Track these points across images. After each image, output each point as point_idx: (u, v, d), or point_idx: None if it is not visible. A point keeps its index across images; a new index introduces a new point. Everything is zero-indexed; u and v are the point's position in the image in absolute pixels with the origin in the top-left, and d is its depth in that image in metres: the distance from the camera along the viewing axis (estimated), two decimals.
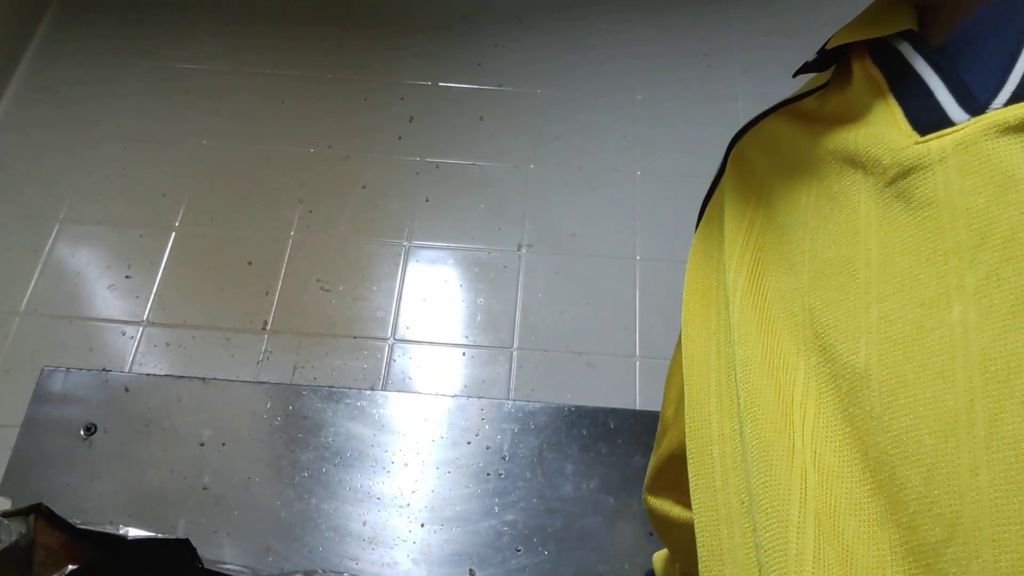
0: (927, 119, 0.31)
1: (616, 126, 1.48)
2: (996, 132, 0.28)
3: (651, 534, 1.08)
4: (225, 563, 1.00)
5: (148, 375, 1.20)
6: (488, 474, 1.13)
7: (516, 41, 1.58)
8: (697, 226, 0.46)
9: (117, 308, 1.27)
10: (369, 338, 1.26)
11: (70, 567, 0.85)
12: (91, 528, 0.87)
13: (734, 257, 0.39)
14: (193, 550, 0.91)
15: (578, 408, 1.17)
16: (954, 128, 0.30)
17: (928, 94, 0.32)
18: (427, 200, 1.39)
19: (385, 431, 1.16)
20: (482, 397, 1.20)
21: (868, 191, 0.32)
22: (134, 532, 0.88)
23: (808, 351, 0.33)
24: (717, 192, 0.45)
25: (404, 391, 1.21)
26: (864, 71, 0.38)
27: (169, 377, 1.19)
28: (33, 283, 1.29)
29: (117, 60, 1.52)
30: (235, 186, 1.39)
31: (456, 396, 1.20)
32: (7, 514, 0.84)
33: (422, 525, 1.09)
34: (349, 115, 1.47)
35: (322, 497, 1.10)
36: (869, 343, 0.30)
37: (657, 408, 1.18)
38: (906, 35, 0.36)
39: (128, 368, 1.21)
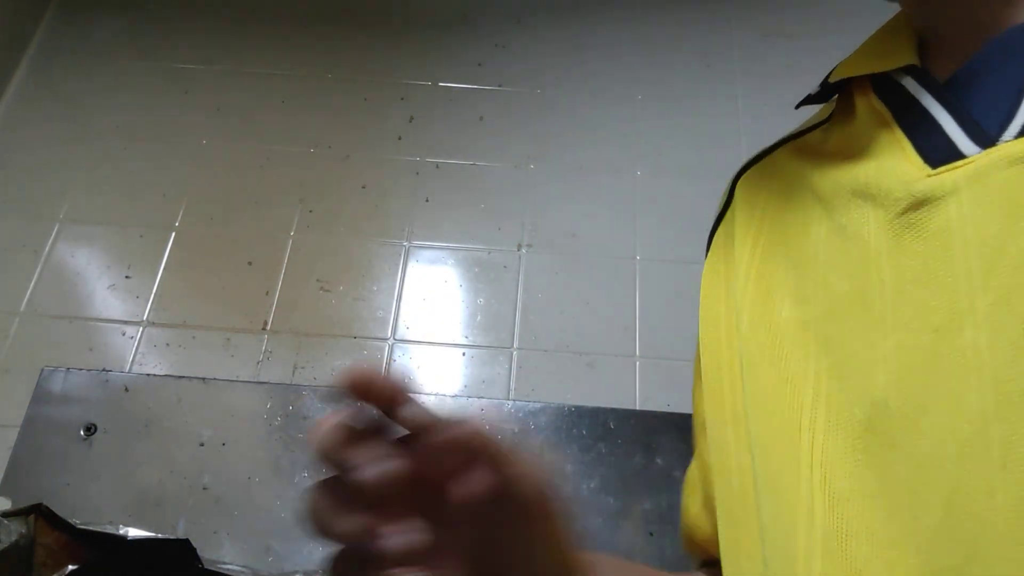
0: (938, 152, 0.32)
1: (616, 126, 1.48)
2: (1007, 163, 0.29)
3: (651, 534, 1.08)
4: (225, 563, 1.00)
5: (148, 375, 1.20)
6: None
7: (516, 41, 1.58)
8: (706, 256, 0.47)
9: (117, 308, 1.27)
10: (369, 338, 1.26)
11: (70, 567, 0.85)
12: (91, 528, 0.87)
13: (744, 288, 0.39)
14: (193, 550, 0.91)
15: (578, 408, 1.17)
16: (966, 161, 0.30)
17: (937, 128, 0.33)
18: (427, 200, 1.39)
19: None
20: (482, 397, 1.20)
21: (878, 222, 0.33)
22: (134, 532, 0.88)
23: (817, 379, 0.33)
24: (725, 223, 0.45)
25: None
26: (868, 105, 0.38)
27: (169, 377, 1.19)
28: (33, 283, 1.29)
29: (117, 60, 1.52)
30: (235, 186, 1.39)
31: (456, 396, 1.20)
32: (7, 514, 0.84)
33: None
34: (349, 115, 1.47)
35: None
36: (887, 371, 0.30)
37: (657, 408, 1.19)
38: (909, 70, 0.37)
39: (128, 368, 1.21)
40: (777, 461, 0.33)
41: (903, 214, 0.32)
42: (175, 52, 1.53)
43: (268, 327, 1.26)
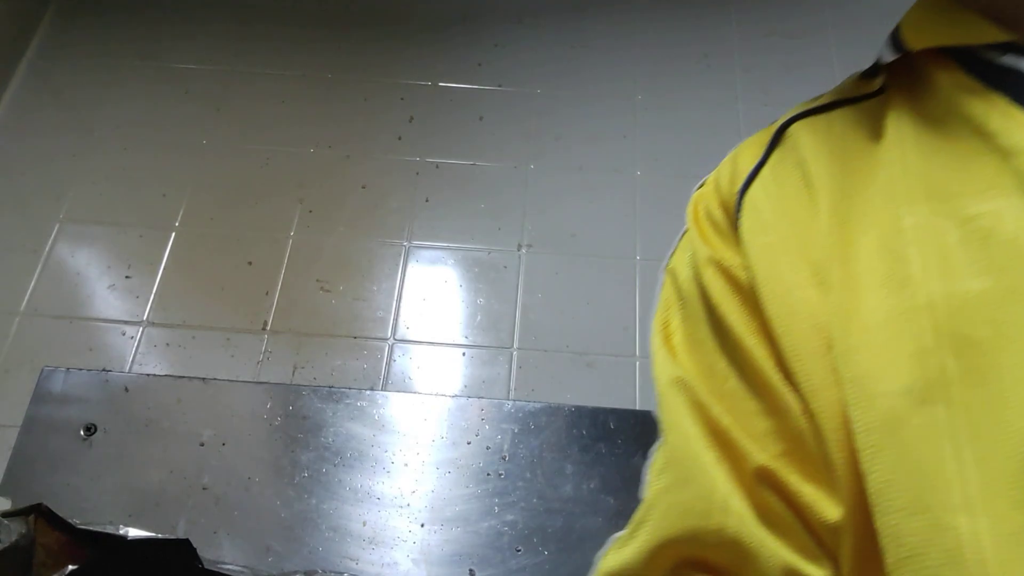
0: None
1: (616, 126, 1.48)
2: None
3: None
4: (225, 563, 1.00)
5: (148, 375, 1.20)
6: (488, 474, 1.13)
7: (516, 41, 1.58)
8: (741, 207, 0.41)
9: (117, 308, 1.27)
10: (369, 338, 1.26)
11: (70, 567, 0.85)
12: (91, 528, 0.87)
13: (829, 248, 0.35)
14: (193, 550, 0.91)
15: (578, 408, 1.17)
16: None
17: None
18: (427, 200, 1.39)
19: (385, 431, 1.16)
20: (482, 397, 1.20)
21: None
22: (134, 532, 0.88)
23: (957, 388, 0.29)
24: (776, 169, 0.41)
25: (404, 391, 1.21)
26: (956, 81, 0.35)
27: (169, 377, 1.19)
28: (33, 283, 1.29)
29: (117, 60, 1.52)
30: (235, 186, 1.39)
31: (456, 396, 1.20)
32: (7, 514, 0.84)
33: (422, 525, 1.09)
34: (349, 115, 1.47)
35: (322, 497, 1.10)
36: None
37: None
38: (1005, 47, 0.34)
39: (128, 368, 1.22)
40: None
41: None
42: (175, 52, 1.53)
43: (268, 327, 1.26)
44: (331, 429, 1.15)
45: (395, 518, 1.09)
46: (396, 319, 1.28)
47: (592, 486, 1.12)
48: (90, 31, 1.56)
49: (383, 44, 1.56)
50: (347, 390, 1.19)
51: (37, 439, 1.13)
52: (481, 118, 1.49)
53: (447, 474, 1.13)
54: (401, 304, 1.29)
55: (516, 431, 1.16)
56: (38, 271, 1.30)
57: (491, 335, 1.27)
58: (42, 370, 1.19)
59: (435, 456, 1.14)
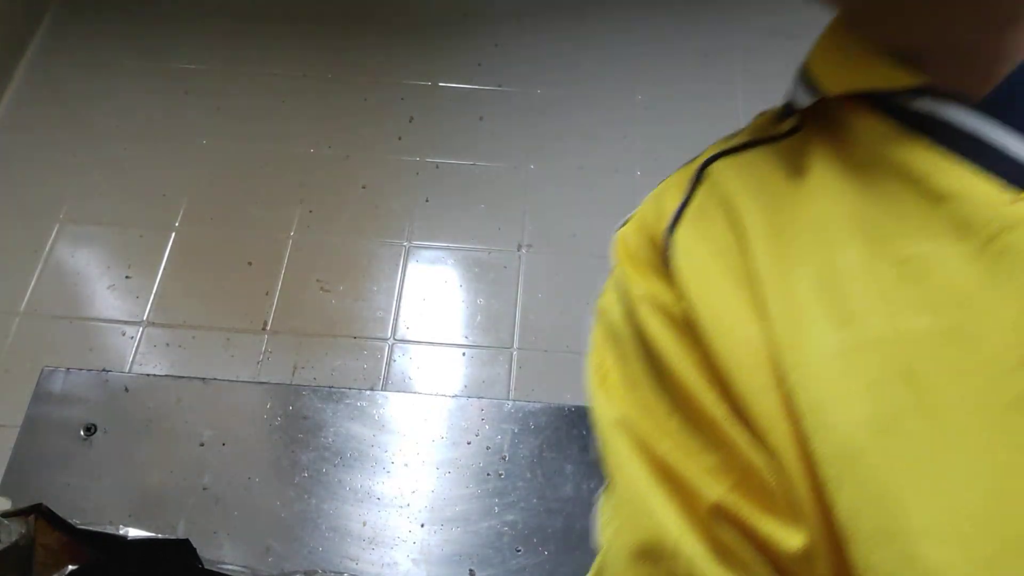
0: (1017, 177, 0.30)
1: (616, 126, 1.48)
2: None
3: None
4: (225, 563, 1.00)
5: (148, 375, 1.20)
6: (488, 474, 1.13)
7: (516, 41, 1.58)
8: (672, 235, 0.41)
9: (117, 308, 1.27)
10: (369, 338, 1.26)
11: (70, 567, 0.85)
12: (91, 528, 0.87)
13: (769, 284, 0.35)
14: (193, 550, 0.91)
15: (578, 408, 1.17)
16: None
17: (999, 151, 0.31)
18: (427, 200, 1.39)
19: (385, 431, 1.16)
20: (482, 397, 1.20)
21: (964, 254, 0.30)
22: (134, 532, 0.88)
23: (916, 420, 0.29)
24: (699, 210, 0.41)
25: (404, 391, 1.21)
26: (874, 125, 0.36)
27: (169, 377, 1.19)
28: (33, 283, 1.29)
29: (117, 60, 1.52)
30: (235, 186, 1.39)
31: (456, 396, 1.20)
32: (7, 514, 0.84)
33: (422, 525, 1.09)
34: (349, 115, 1.47)
35: (322, 497, 1.10)
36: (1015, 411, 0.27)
37: None
38: (922, 90, 0.34)
39: (128, 368, 1.22)
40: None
41: (992, 241, 0.30)
42: (175, 52, 1.53)
43: (268, 327, 1.26)
44: (331, 429, 1.15)
45: (395, 518, 1.09)
46: (396, 319, 1.28)
47: (592, 486, 1.12)
48: (90, 31, 1.56)
49: (383, 44, 1.56)
50: (347, 390, 1.19)
51: (37, 439, 1.13)
52: (481, 118, 1.49)
53: (447, 474, 1.13)
54: (401, 304, 1.29)
55: (516, 431, 1.16)
56: (38, 271, 1.30)
57: (491, 335, 1.27)
58: (42, 370, 1.19)
59: (435, 456, 1.14)
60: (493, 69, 1.54)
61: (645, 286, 0.40)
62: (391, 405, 1.18)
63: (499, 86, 1.52)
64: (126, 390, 1.18)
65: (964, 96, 0.33)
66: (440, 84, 1.52)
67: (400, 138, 1.46)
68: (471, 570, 1.06)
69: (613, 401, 0.39)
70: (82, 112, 1.46)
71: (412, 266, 1.33)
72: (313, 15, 1.60)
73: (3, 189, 1.37)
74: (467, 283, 1.32)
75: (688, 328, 0.37)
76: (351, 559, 1.07)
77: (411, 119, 1.48)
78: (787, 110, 0.41)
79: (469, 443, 1.15)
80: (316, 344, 1.25)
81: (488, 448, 1.14)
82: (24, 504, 0.86)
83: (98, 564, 0.87)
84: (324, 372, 1.23)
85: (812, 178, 0.37)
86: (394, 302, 1.29)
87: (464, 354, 1.25)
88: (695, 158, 0.46)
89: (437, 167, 1.43)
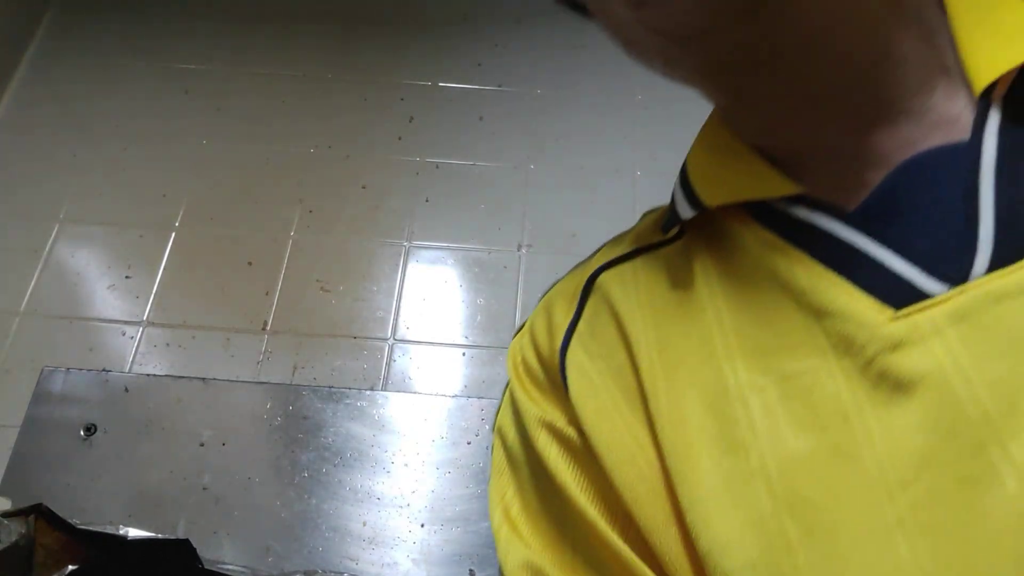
0: (894, 293, 0.30)
1: (616, 126, 1.48)
2: (993, 300, 0.27)
3: None
4: (225, 563, 1.00)
5: (148, 375, 1.20)
6: (488, 474, 1.12)
7: (516, 41, 1.58)
8: (564, 356, 0.39)
9: (117, 308, 1.27)
10: (369, 338, 1.26)
11: (70, 567, 0.85)
12: (91, 528, 0.87)
13: (657, 408, 0.34)
14: (193, 550, 0.91)
15: None
16: (936, 300, 0.28)
17: (879, 266, 0.30)
18: (427, 200, 1.39)
19: (385, 431, 1.16)
20: (482, 397, 1.20)
21: (845, 372, 0.30)
22: (134, 532, 0.88)
23: (801, 546, 0.29)
24: (586, 332, 0.39)
25: (404, 391, 1.21)
26: (755, 236, 0.35)
27: (169, 377, 1.19)
28: (33, 283, 1.29)
29: (117, 60, 1.52)
30: (235, 186, 1.39)
31: (456, 396, 1.20)
32: (7, 514, 0.84)
33: (422, 525, 1.09)
34: (349, 115, 1.47)
35: (322, 497, 1.10)
36: (909, 534, 0.26)
37: None
38: (797, 199, 0.34)
39: (128, 368, 1.22)
40: None
41: (873, 360, 0.29)
42: (175, 52, 1.53)
43: (268, 327, 1.26)
44: (331, 429, 1.15)
45: (395, 518, 1.09)
46: (396, 319, 1.28)
47: None
48: (90, 31, 1.56)
49: (383, 44, 1.56)
50: (347, 390, 1.19)
51: (37, 439, 1.13)
52: (481, 118, 1.49)
53: (447, 474, 1.13)
54: (401, 304, 1.29)
55: None
56: (38, 271, 1.30)
57: (491, 335, 1.27)
58: (42, 370, 1.19)
59: (435, 456, 1.14)
60: (493, 69, 1.54)
61: (540, 409, 0.39)
62: (391, 405, 1.18)
63: (499, 86, 1.52)
64: (126, 390, 1.18)
65: (839, 205, 0.33)
66: (440, 84, 1.52)
67: (400, 138, 1.46)
68: (471, 570, 1.06)
69: (519, 539, 0.37)
70: (82, 112, 1.46)
71: (412, 266, 1.33)
72: (313, 15, 1.60)
73: (3, 189, 1.37)
74: (467, 283, 1.32)
75: (587, 455, 0.36)
76: (351, 559, 1.07)
77: (411, 119, 1.48)
78: (671, 216, 0.40)
79: (469, 443, 1.15)
80: (316, 344, 1.25)
81: (488, 448, 1.14)
82: (24, 504, 0.86)
83: (98, 564, 0.87)
84: (324, 372, 1.23)
85: (697, 292, 0.36)
86: (394, 302, 1.29)
87: (464, 354, 1.25)
88: (585, 262, 0.45)
89: (437, 167, 1.43)
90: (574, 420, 0.37)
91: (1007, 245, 0.28)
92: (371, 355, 1.25)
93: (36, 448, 1.12)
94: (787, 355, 0.31)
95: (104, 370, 1.20)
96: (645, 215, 0.45)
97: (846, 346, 0.30)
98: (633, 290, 0.39)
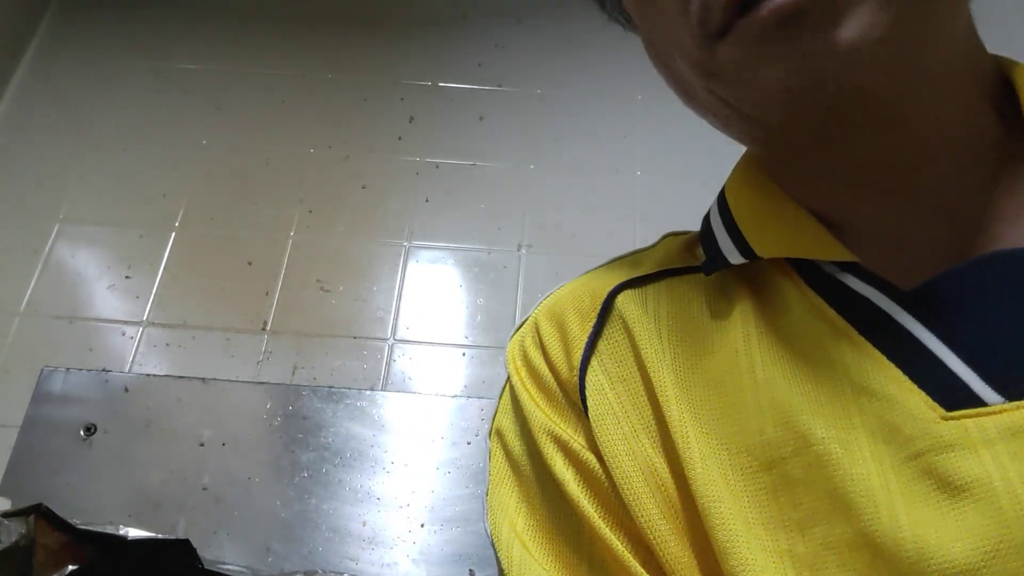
0: (949, 393, 0.28)
1: (616, 126, 1.48)
2: None
3: None
4: (225, 563, 1.00)
5: (148, 375, 1.20)
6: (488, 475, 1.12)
7: (516, 41, 1.58)
8: (584, 372, 0.38)
9: (117, 308, 1.27)
10: (369, 338, 1.26)
11: (70, 567, 0.85)
12: (91, 528, 0.87)
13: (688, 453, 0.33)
14: (193, 550, 0.91)
15: None
16: (991, 409, 0.27)
17: (934, 360, 0.29)
18: (427, 200, 1.39)
19: (385, 431, 1.16)
20: (482, 397, 1.20)
21: (878, 457, 0.29)
22: (134, 532, 0.88)
23: None
24: (611, 342, 0.38)
25: (404, 391, 1.21)
26: (801, 294, 0.33)
27: (169, 377, 1.19)
28: (33, 283, 1.29)
29: (117, 60, 1.52)
30: (235, 186, 1.39)
31: (456, 396, 1.20)
32: (7, 514, 0.84)
33: (422, 525, 1.09)
34: (349, 115, 1.47)
35: (322, 497, 1.10)
36: None
37: None
38: (848, 266, 0.32)
39: (128, 368, 1.21)
40: None
41: (918, 457, 0.28)
42: (175, 52, 1.53)
43: (268, 327, 1.26)
44: (331, 429, 1.15)
45: (395, 518, 1.09)
46: (396, 319, 1.28)
47: None
48: (90, 31, 1.56)
49: (383, 44, 1.56)
50: (347, 390, 1.19)
51: (37, 439, 1.13)
52: (481, 118, 1.49)
53: (447, 474, 1.13)
54: (401, 304, 1.29)
55: None
56: (38, 271, 1.30)
57: (491, 335, 1.27)
58: (42, 370, 1.19)
59: (435, 456, 1.14)
60: (493, 69, 1.54)
61: (550, 421, 0.38)
62: (391, 405, 1.18)
63: (499, 86, 1.52)
64: (126, 390, 1.18)
65: (892, 281, 0.31)
66: (440, 84, 1.52)
67: (400, 138, 1.46)
68: (471, 570, 1.06)
69: (532, 561, 0.36)
70: (82, 111, 1.46)
71: (412, 266, 1.33)
72: (313, 15, 1.60)
73: (3, 189, 1.37)
74: (467, 283, 1.32)
75: (608, 483, 0.35)
76: (351, 559, 1.07)
77: (411, 119, 1.48)
78: (715, 256, 0.38)
79: (469, 443, 1.15)
80: (316, 344, 1.25)
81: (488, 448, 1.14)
82: (24, 504, 0.86)
83: (98, 564, 0.87)
84: (324, 372, 1.23)
85: (730, 331, 0.35)
86: (394, 302, 1.29)
87: (464, 354, 1.25)
88: (594, 272, 0.43)
89: (437, 167, 1.43)
90: (593, 446, 0.36)
91: None
92: (371, 355, 1.25)
93: (36, 448, 1.12)
94: (819, 421, 0.30)
95: (104, 370, 1.20)
96: (666, 237, 0.44)
97: (888, 432, 0.29)
98: (654, 315, 0.38)
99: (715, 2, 0.28)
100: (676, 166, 1.43)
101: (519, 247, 1.35)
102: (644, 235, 1.36)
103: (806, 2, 0.26)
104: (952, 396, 0.28)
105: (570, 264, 1.33)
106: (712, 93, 0.31)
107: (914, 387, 0.29)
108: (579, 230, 1.37)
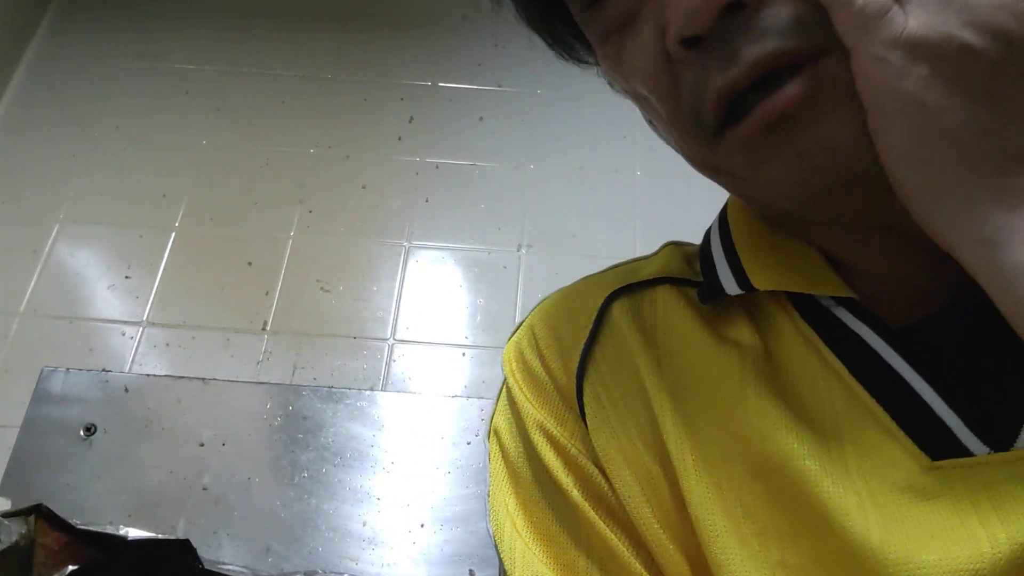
0: (934, 441, 0.29)
1: (616, 126, 1.48)
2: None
3: None
4: (225, 563, 1.00)
5: (148, 375, 1.20)
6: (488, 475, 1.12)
7: (516, 41, 1.58)
8: (582, 384, 0.38)
9: (117, 308, 1.27)
10: (369, 338, 1.26)
11: (70, 567, 0.85)
12: (91, 528, 0.87)
13: (682, 465, 0.33)
14: (193, 550, 0.91)
15: None
16: (976, 460, 0.28)
17: (920, 405, 0.29)
18: (427, 200, 1.39)
19: (385, 431, 1.16)
20: (482, 397, 1.20)
21: (857, 491, 0.29)
22: (134, 532, 0.88)
23: None
24: (604, 349, 0.38)
25: (404, 391, 1.21)
26: (794, 328, 0.34)
27: (169, 377, 1.19)
28: (33, 283, 1.29)
29: (117, 60, 1.52)
30: (235, 186, 1.39)
31: (456, 396, 1.20)
32: (7, 514, 0.84)
33: (422, 525, 1.09)
34: (349, 115, 1.47)
35: (322, 497, 1.10)
36: None
37: None
38: (845, 301, 0.33)
39: (128, 368, 1.21)
40: None
41: (894, 503, 0.28)
42: (175, 52, 1.53)
43: (268, 327, 1.26)
44: (331, 429, 1.15)
45: (395, 518, 1.09)
46: (396, 319, 1.28)
47: None
48: (90, 31, 1.56)
49: (383, 44, 1.56)
50: (347, 390, 1.19)
51: (37, 439, 1.13)
52: (481, 118, 1.49)
53: (447, 474, 1.13)
54: (401, 304, 1.29)
55: None
56: (38, 271, 1.30)
57: (491, 335, 1.27)
58: (42, 370, 1.19)
59: (435, 456, 1.14)
60: (493, 69, 1.54)
61: (544, 419, 0.38)
62: (391, 405, 1.18)
63: (499, 86, 1.52)
64: (126, 390, 1.18)
65: (882, 316, 0.32)
66: (440, 84, 1.52)
67: (400, 138, 1.46)
68: (471, 570, 1.06)
69: (531, 555, 0.36)
70: (82, 112, 1.46)
71: (412, 266, 1.33)
72: (313, 15, 1.60)
73: (3, 189, 1.37)
74: (467, 283, 1.32)
75: (609, 490, 0.35)
76: (351, 559, 1.07)
77: (411, 119, 1.48)
78: (713, 284, 0.38)
79: (469, 443, 1.15)
80: (316, 344, 1.25)
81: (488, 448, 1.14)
82: (24, 504, 0.86)
83: (98, 564, 0.87)
84: (324, 372, 1.23)
85: (724, 351, 0.35)
86: (394, 302, 1.29)
87: (464, 354, 1.25)
88: (592, 278, 0.43)
89: (437, 167, 1.43)
90: (590, 451, 0.36)
91: None
92: (371, 355, 1.25)
93: (36, 448, 1.12)
94: (806, 447, 0.31)
95: (104, 370, 1.20)
96: (667, 246, 0.44)
97: (866, 472, 0.29)
98: (649, 323, 0.38)
99: (704, 110, 0.29)
100: (676, 166, 1.42)
101: (519, 247, 1.35)
102: (644, 235, 1.36)
103: (792, 109, 0.27)
104: (938, 444, 0.29)
105: (570, 264, 1.33)
106: (717, 172, 0.32)
107: (900, 433, 0.29)
108: (579, 230, 1.37)
